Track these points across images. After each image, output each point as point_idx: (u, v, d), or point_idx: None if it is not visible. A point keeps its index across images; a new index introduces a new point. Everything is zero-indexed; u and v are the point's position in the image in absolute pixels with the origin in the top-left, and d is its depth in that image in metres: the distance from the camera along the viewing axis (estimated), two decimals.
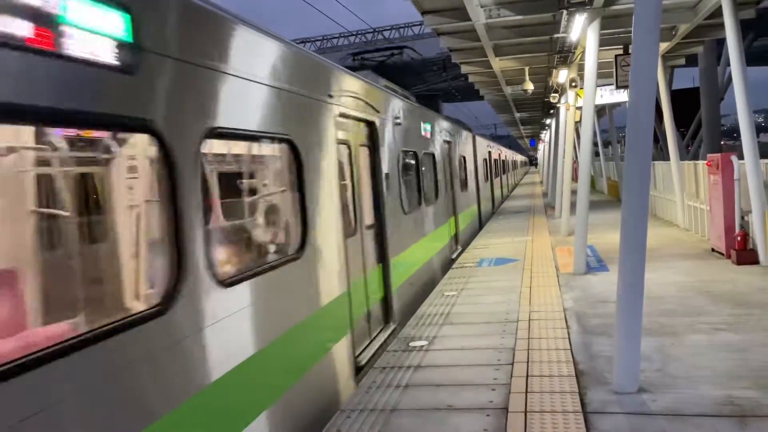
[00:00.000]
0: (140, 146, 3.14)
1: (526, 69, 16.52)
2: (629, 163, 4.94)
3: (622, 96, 16.56)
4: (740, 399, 4.46)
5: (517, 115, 35.56)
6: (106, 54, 2.76)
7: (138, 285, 3.12)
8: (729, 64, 9.93)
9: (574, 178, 21.57)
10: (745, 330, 6.13)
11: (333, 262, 5.52)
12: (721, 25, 9.90)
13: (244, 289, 3.80)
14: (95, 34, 2.70)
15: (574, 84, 14.78)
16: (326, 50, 46.06)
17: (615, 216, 5.27)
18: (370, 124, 7.38)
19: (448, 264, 12.00)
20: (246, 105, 4.15)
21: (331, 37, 47.57)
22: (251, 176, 4.68)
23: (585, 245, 10.18)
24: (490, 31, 12.54)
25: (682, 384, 4.84)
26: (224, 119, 3.76)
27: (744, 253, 9.49)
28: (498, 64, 15.98)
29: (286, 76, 4.83)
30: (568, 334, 6.44)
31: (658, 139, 29.66)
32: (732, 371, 5.04)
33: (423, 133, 10.68)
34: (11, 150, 2.57)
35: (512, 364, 5.58)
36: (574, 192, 12.73)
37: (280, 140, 4.70)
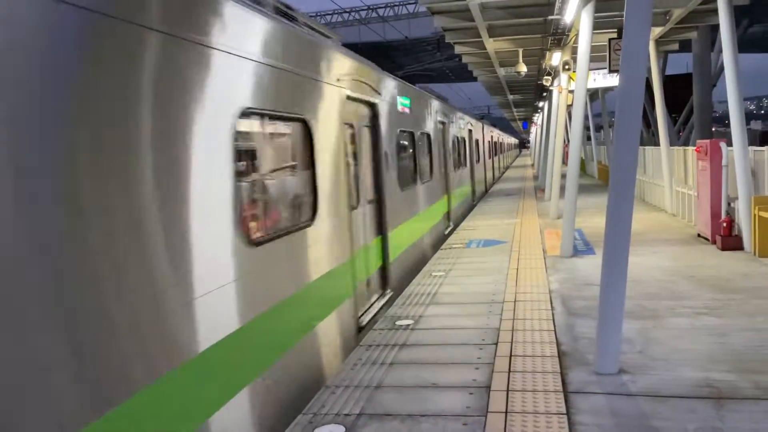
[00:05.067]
0: None
1: (520, 51, 16.44)
2: (617, 147, 4.96)
3: (614, 80, 16.49)
4: (718, 381, 4.55)
5: (510, 97, 35.47)
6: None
7: None
8: (722, 51, 9.94)
9: (565, 161, 21.62)
10: (727, 314, 6.22)
11: None
12: (715, 11, 9.88)
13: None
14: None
15: (567, 67, 14.75)
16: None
17: (604, 200, 5.34)
18: None
19: None
20: None
21: (324, 14, 47.07)
22: None
23: (573, 228, 10.25)
24: (484, 11, 12.46)
25: (662, 366, 4.93)
26: None
27: (729, 239, 9.59)
28: (492, 45, 15.89)
29: None
30: (553, 315, 6.52)
31: (650, 124, 29.74)
32: (711, 354, 5.13)
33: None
34: None
35: (496, 344, 5.64)
36: (564, 175, 12.77)
37: None
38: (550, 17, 12.58)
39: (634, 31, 4.84)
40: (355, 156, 7.04)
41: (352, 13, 44.61)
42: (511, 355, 5.30)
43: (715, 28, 16.06)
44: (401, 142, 9.65)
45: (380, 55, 37.01)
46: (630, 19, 4.83)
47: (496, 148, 35.10)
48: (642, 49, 4.90)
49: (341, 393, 4.69)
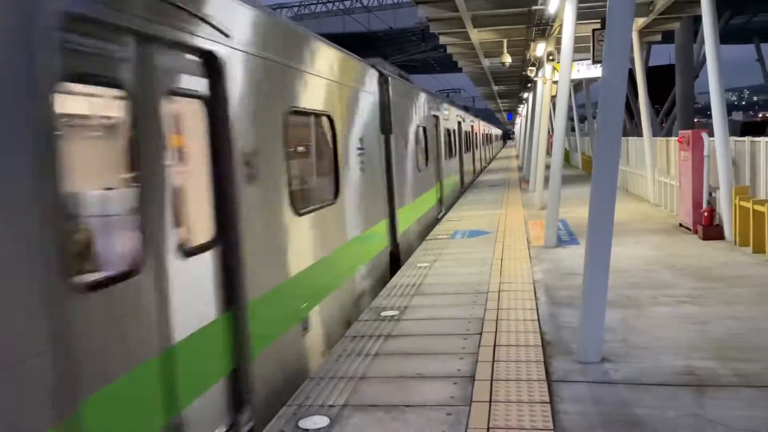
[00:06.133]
0: None
1: (504, 41, 16.45)
2: (600, 138, 4.98)
3: (598, 71, 16.57)
4: (699, 369, 4.60)
5: (495, 88, 35.51)
6: None
7: None
8: (705, 42, 10.01)
9: (549, 152, 21.70)
10: (707, 303, 6.30)
11: None
12: (698, 2, 9.94)
13: None
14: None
15: (551, 58, 14.77)
16: (305, 17, 45.25)
17: (588, 190, 5.33)
18: None
19: None
20: None
21: (309, 3, 46.73)
22: None
23: (557, 219, 10.31)
24: (468, 2, 12.43)
25: (644, 354, 4.98)
26: None
27: (710, 229, 9.70)
28: (476, 35, 15.88)
29: None
30: (537, 305, 6.55)
31: (633, 114, 29.93)
32: (692, 342, 5.19)
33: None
34: None
35: (481, 334, 5.66)
36: (548, 167, 12.83)
37: None
38: (534, 8, 12.60)
39: (618, 21, 4.85)
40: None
41: (336, 3, 44.34)
42: (495, 345, 5.33)
43: (698, 19, 16.19)
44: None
45: (365, 46, 36.82)
46: (613, 10, 4.84)
47: (483, 138, 35.23)
48: (625, 40, 4.91)
49: (326, 384, 4.68)
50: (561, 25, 11.97)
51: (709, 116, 9.93)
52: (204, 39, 3.93)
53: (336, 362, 5.14)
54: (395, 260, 9.59)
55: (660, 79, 31.08)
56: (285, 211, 5.23)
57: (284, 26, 5.86)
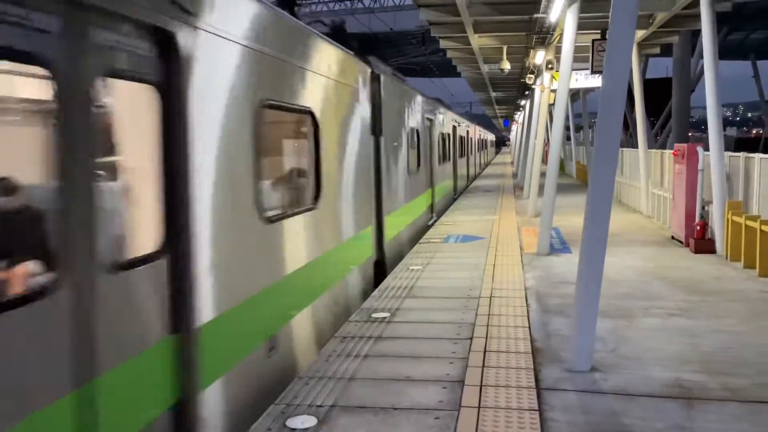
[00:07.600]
0: None
1: (504, 48, 16.49)
2: (598, 148, 4.99)
3: (596, 81, 16.62)
4: (688, 382, 4.61)
5: (493, 94, 35.60)
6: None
7: None
8: (702, 56, 10.06)
9: (545, 160, 21.76)
10: (698, 316, 6.32)
11: None
12: (698, 16, 10.00)
13: None
14: None
15: (550, 66, 14.81)
16: (303, 16, 45.18)
17: (581, 199, 5.44)
18: None
19: None
20: None
21: (309, 2, 46.66)
22: None
23: (550, 227, 10.33)
24: (470, 7, 12.47)
25: (634, 365, 4.99)
26: None
27: (702, 242, 9.75)
28: (476, 41, 15.91)
29: None
30: (528, 312, 6.56)
31: (629, 126, 30.10)
32: (682, 355, 5.20)
33: None
34: None
35: (471, 339, 5.66)
36: (543, 174, 12.85)
37: None
38: (535, 15, 12.63)
39: (619, 33, 4.86)
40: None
41: (337, 3, 44.32)
42: (485, 351, 5.32)
43: (696, 33, 16.30)
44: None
45: (364, 47, 36.80)
46: (615, 21, 4.84)
47: (478, 144, 34.14)
48: (626, 52, 4.93)
49: (314, 384, 4.66)
50: (561, 34, 12.01)
51: (703, 130, 10.04)
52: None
53: (325, 362, 5.12)
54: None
55: (656, 92, 31.21)
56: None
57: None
